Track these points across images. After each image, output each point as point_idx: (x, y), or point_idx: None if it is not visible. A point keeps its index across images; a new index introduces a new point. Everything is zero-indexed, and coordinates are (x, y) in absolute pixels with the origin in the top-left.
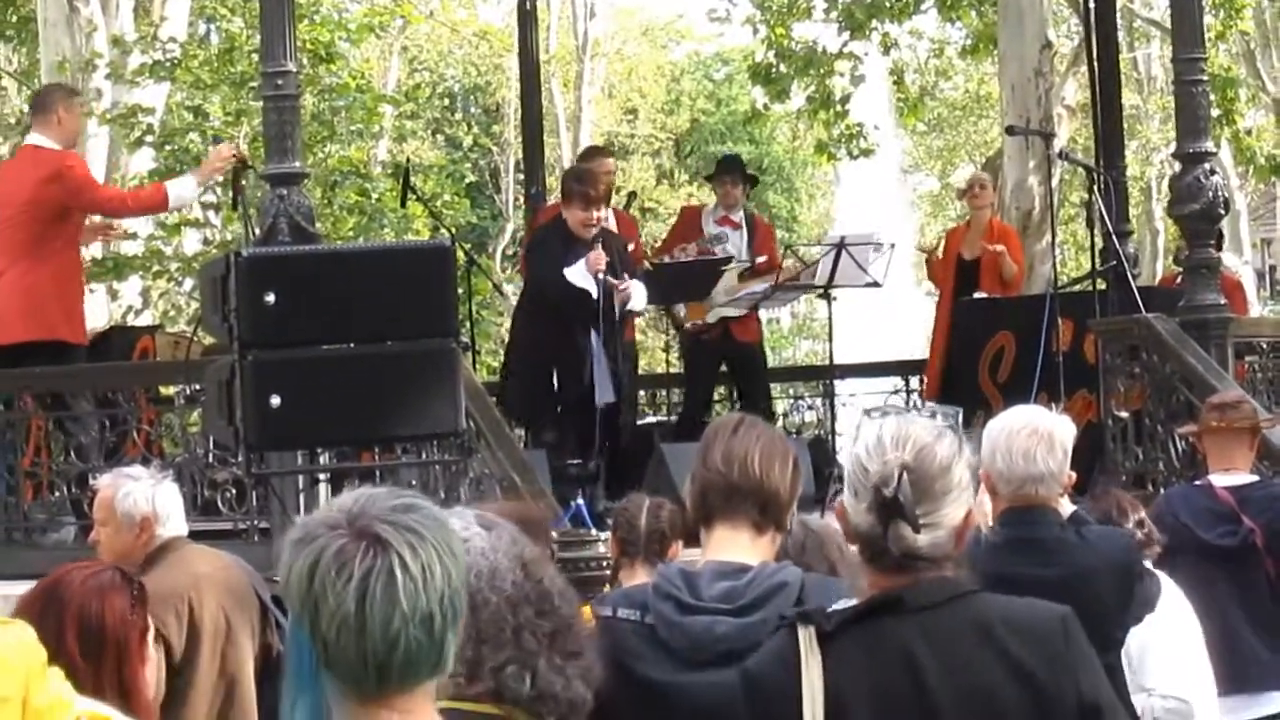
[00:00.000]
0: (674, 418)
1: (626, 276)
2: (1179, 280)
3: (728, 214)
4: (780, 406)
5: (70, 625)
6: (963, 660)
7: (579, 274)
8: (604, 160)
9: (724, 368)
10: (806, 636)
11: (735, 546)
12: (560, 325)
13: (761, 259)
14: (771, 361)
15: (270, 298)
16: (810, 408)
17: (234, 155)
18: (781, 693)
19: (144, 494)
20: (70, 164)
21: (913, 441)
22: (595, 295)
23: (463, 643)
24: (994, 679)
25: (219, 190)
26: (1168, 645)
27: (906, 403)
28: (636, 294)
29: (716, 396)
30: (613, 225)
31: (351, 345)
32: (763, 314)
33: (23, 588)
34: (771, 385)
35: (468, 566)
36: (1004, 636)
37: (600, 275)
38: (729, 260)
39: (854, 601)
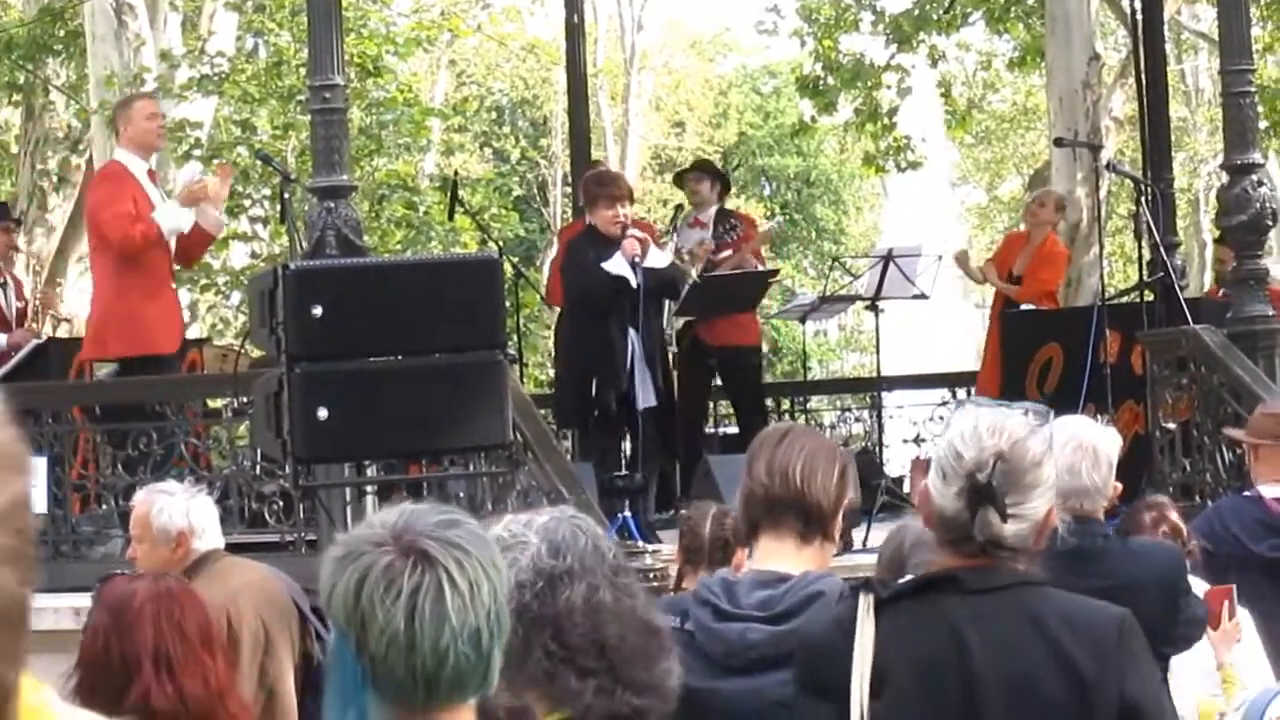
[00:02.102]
0: (721, 430)
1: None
2: (1221, 294)
3: (697, 214)
4: (827, 418)
5: (193, 635)
6: (1009, 644)
7: (616, 264)
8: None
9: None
10: (865, 604)
11: (779, 557)
12: (598, 329)
13: (725, 254)
14: (818, 374)
15: (317, 310)
16: (858, 420)
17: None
18: (834, 654)
19: (179, 509)
20: (101, 177)
21: (1008, 433)
22: (635, 283)
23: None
24: (1038, 666)
25: (267, 204)
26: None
27: None
28: (655, 254)
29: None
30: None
31: (399, 357)
32: (810, 325)
33: (71, 600)
34: (819, 397)
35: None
36: (1055, 628)
37: (638, 261)
38: (775, 272)
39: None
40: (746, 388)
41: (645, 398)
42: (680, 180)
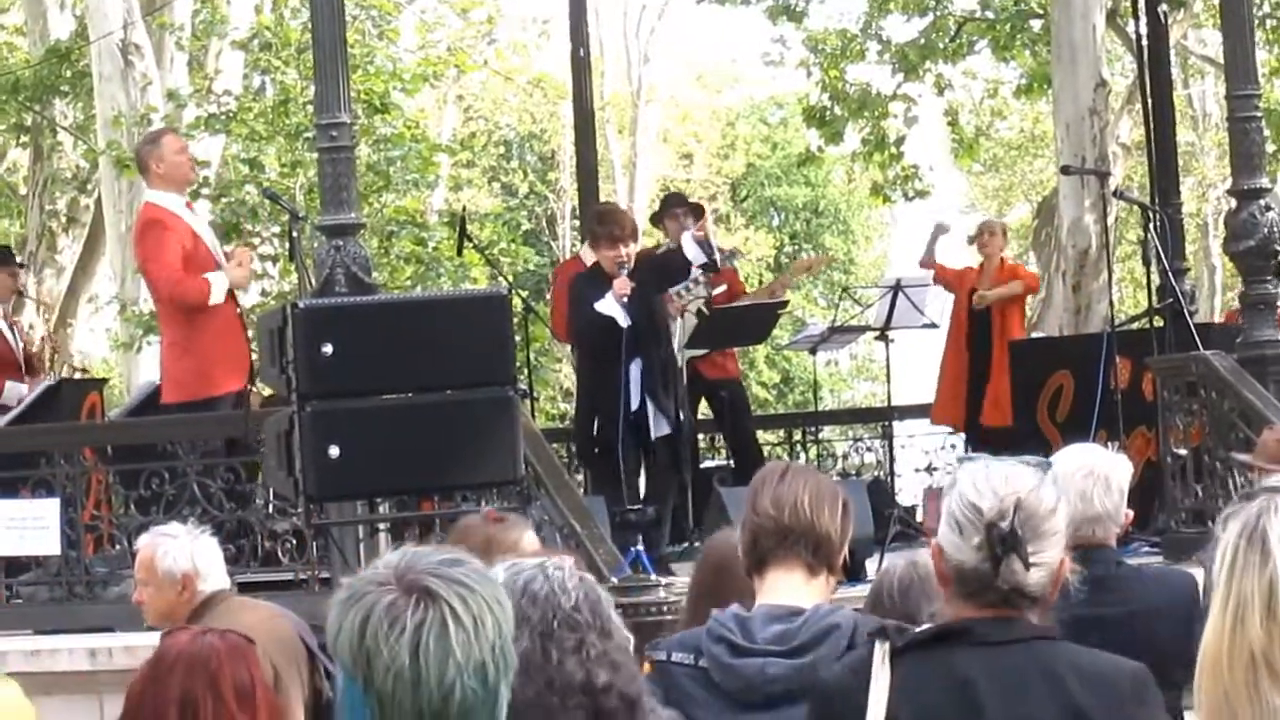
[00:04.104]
0: (732, 462)
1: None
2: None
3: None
4: (839, 448)
5: (227, 691)
6: (1022, 698)
7: (607, 304)
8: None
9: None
10: (881, 653)
11: (789, 590)
12: (597, 366)
13: (721, 289)
14: (830, 404)
15: (328, 348)
16: (869, 449)
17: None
18: (850, 702)
19: (183, 551)
20: (145, 226)
21: (1021, 482)
22: (623, 323)
23: None
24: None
25: (275, 242)
26: None
27: (971, 446)
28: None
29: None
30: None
31: (409, 394)
32: (821, 355)
33: (86, 641)
34: (832, 427)
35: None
36: (1069, 682)
37: (624, 300)
38: (785, 303)
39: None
40: (740, 421)
41: (658, 427)
42: (660, 217)
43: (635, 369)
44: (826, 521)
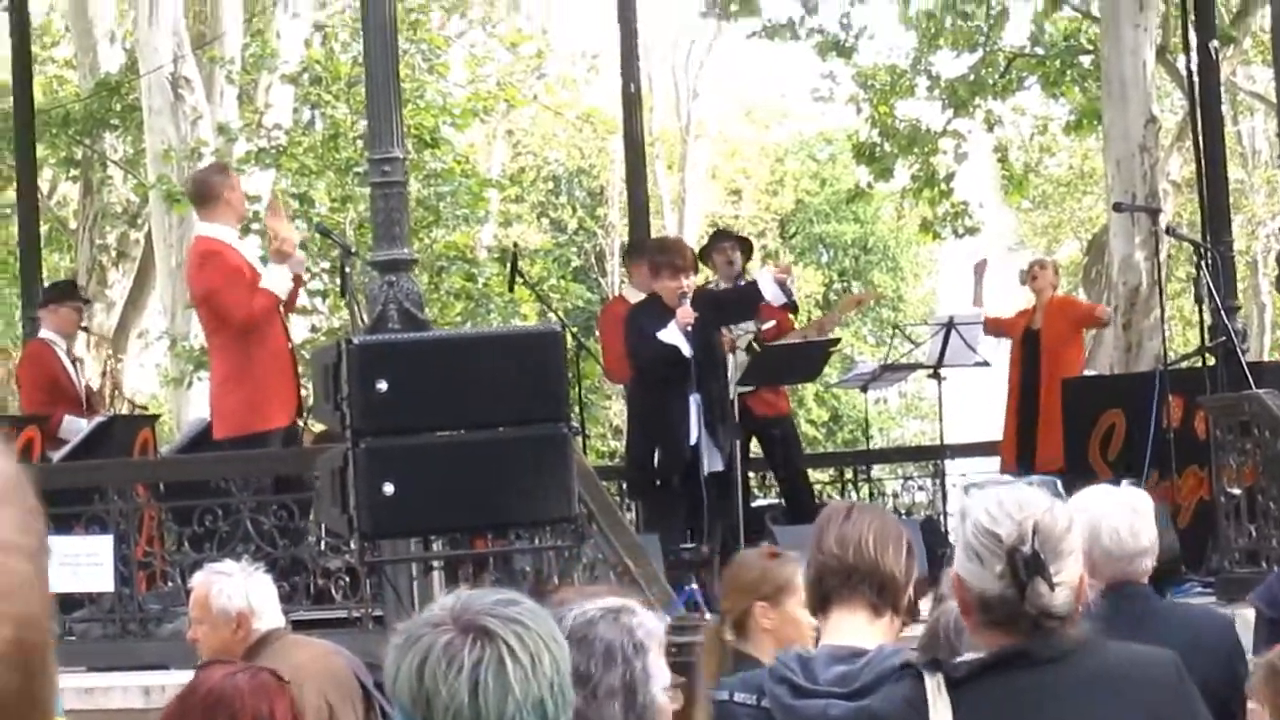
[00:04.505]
0: (783, 500)
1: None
2: None
3: (731, 285)
4: (890, 487)
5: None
6: (1089, 708)
7: (671, 333)
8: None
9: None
10: (935, 683)
11: (852, 630)
12: (658, 398)
13: (769, 324)
14: (879, 442)
15: (382, 385)
16: (920, 488)
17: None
18: None
19: (238, 589)
20: (204, 257)
21: (1035, 505)
22: (687, 352)
23: None
24: None
25: (325, 277)
26: None
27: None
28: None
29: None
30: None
31: (464, 431)
32: (870, 393)
33: (140, 679)
34: (882, 465)
35: None
36: (1124, 682)
37: (690, 330)
38: (837, 341)
39: (981, 654)
40: (791, 458)
41: (710, 463)
42: (708, 252)
43: (694, 402)
44: (891, 561)
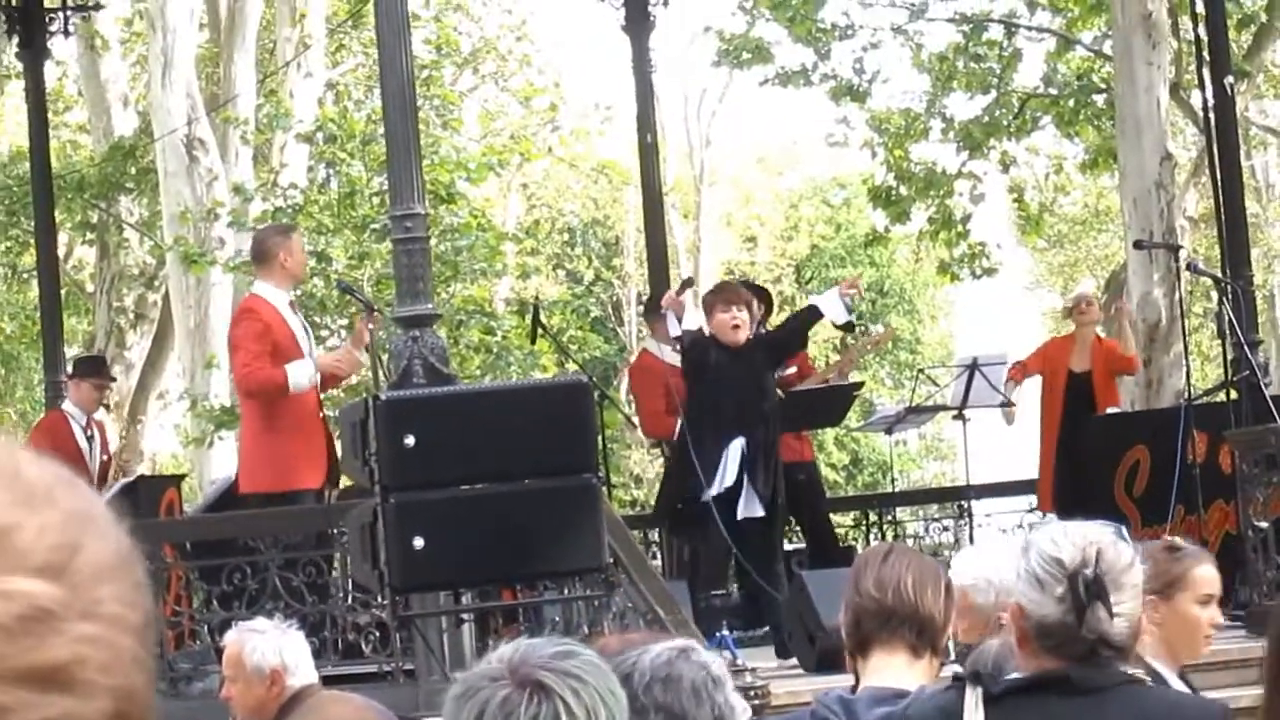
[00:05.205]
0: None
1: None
2: None
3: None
4: (912, 529)
5: None
6: None
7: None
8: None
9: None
10: (975, 697)
11: (892, 672)
12: (700, 436)
13: (790, 370)
14: (900, 484)
15: (410, 440)
16: (945, 529)
17: (346, 362)
18: None
19: (271, 646)
20: (245, 311)
21: (1099, 535)
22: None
23: None
24: None
25: (344, 334)
26: None
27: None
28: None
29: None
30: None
31: (492, 484)
32: (896, 435)
33: None
34: (906, 508)
35: None
36: None
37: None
38: (860, 385)
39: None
40: (815, 504)
41: (749, 508)
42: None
43: (737, 446)
44: (930, 603)
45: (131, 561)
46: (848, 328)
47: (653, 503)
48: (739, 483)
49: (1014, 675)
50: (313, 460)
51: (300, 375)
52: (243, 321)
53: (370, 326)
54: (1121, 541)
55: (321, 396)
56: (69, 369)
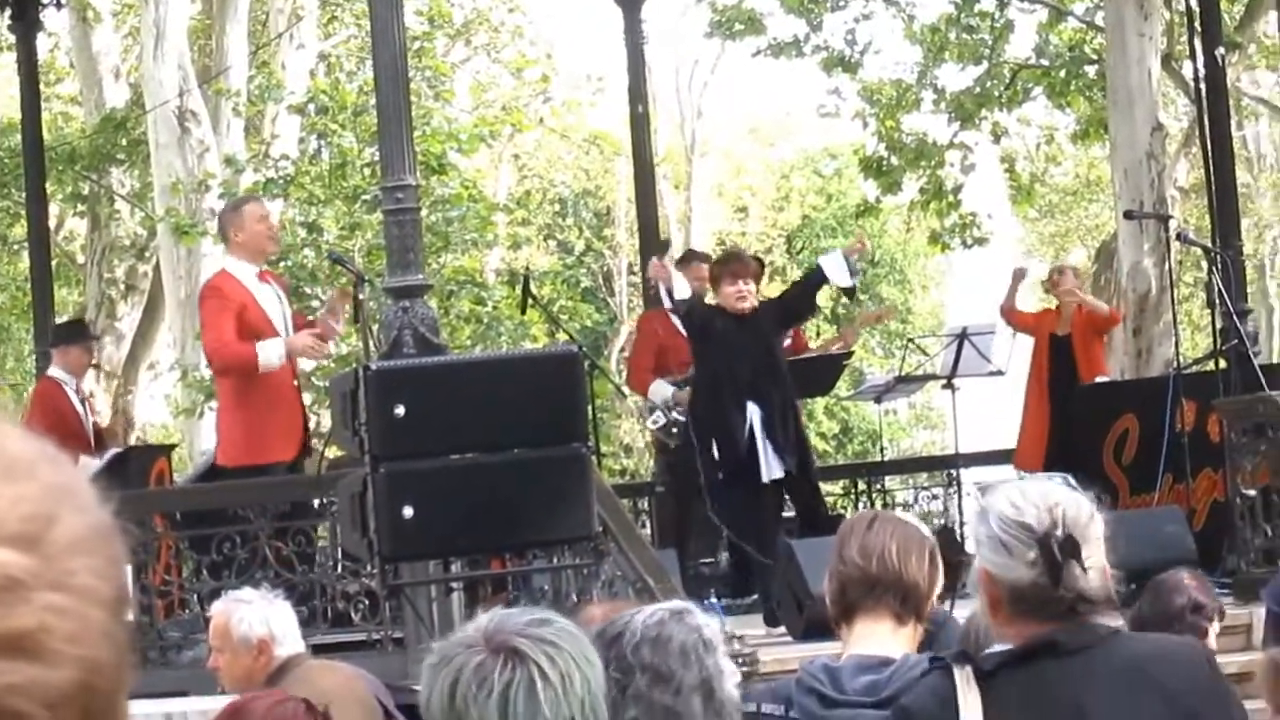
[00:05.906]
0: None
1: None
2: None
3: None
4: (902, 497)
5: None
6: (1123, 697)
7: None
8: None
9: None
10: (964, 676)
11: (877, 639)
12: (714, 403)
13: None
14: (890, 453)
15: (400, 410)
16: (935, 498)
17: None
18: None
19: (258, 616)
20: (208, 290)
21: (1056, 494)
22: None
23: None
24: (1156, 715)
25: None
26: None
27: None
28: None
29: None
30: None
31: (482, 454)
32: (885, 404)
33: (161, 706)
34: (895, 476)
35: None
36: (1157, 671)
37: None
38: (850, 354)
39: (1009, 646)
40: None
41: (770, 470)
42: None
43: (754, 410)
44: (914, 570)
45: (109, 536)
46: (849, 293)
47: (646, 473)
48: (754, 448)
49: (998, 648)
50: (287, 433)
51: (271, 354)
52: (207, 301)
53: (357, 298)
54: (1076, 493)
55: (312, 368)
56: (52, 338)
